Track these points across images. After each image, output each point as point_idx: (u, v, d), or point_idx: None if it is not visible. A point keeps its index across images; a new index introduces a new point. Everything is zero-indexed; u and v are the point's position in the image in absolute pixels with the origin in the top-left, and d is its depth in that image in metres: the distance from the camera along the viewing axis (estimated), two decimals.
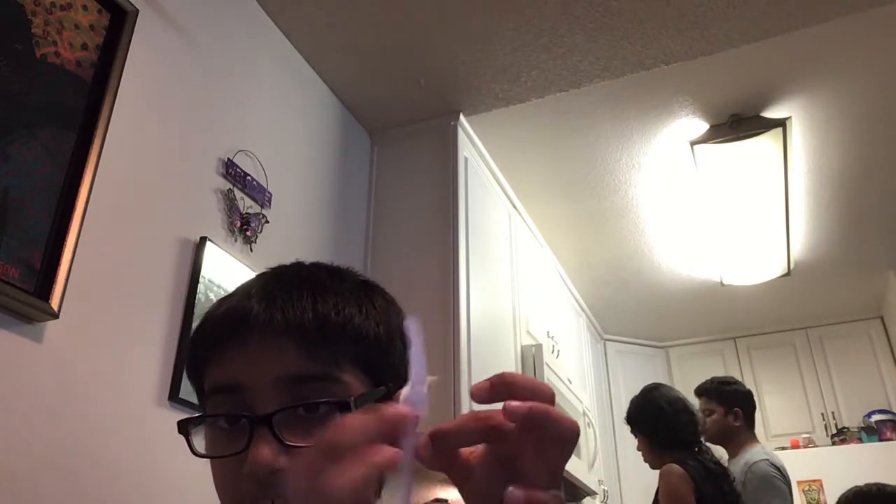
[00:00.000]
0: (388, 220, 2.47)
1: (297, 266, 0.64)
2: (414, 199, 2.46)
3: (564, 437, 0.39)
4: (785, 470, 2.39)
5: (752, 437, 2.53)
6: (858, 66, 2.38)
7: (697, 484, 2.07)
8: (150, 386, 1.45)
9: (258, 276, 0.63)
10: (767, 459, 2.39)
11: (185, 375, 1.48)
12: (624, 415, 2.45)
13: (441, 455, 0.38)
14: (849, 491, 2.29)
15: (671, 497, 2.09)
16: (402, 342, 0.62)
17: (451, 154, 2.45)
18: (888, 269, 3.81)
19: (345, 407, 0.54)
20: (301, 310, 0.57)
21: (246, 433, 0.54)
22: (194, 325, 1.53)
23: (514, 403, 0.38)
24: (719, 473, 2.16)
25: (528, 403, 0.38)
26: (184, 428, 0.58)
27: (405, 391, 0.40)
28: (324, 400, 0.54)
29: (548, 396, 0.39)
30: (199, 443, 0.59)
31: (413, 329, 0.41)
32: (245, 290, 0.60)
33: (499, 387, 0.39)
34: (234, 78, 1.93)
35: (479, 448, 0.40)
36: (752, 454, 2.42)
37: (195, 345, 0.61)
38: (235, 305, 0.59)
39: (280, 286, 0.59)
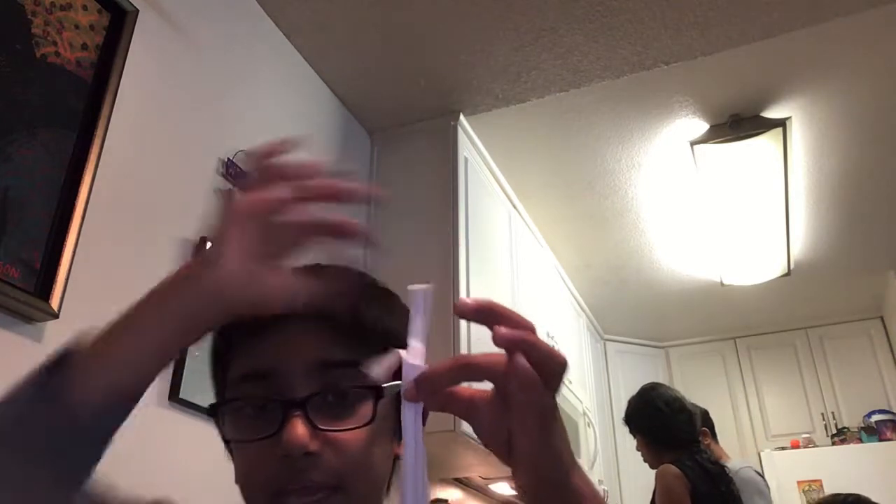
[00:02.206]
0: (388, 220, 2.47)
1: (331, 265, 0.66)
2: (414, 199, 2.45)
3: (552, 369, 0.41)
4: (764, 478, 2.56)
5: (723, 452, 2.67)
6: (858, 66, 2.38)
7: (693, 484, 2.08)
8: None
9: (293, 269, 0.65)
10: (751, 467, 2.57)
11: (185, 375, 1.49)
12: (623, 415, 2.46)
13: (431, 396, 0.42)
14: (825, 497, 2.31)
15: (667, 497, 2.09)
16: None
17: (451, 154, 2.45)
18: (888, 269, 3.81)
19: (376, 392, 0.55)
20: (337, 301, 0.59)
21: (278, 417, 0.55)
22: None
23: (503, 329, 0.40)
24: (717, 473, 2.17)
25: (518, 332, 0.40)
26: (215, 410, 0.59)
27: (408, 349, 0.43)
28: (356, 385, 0.56)
29: (531, 329, 0.41)
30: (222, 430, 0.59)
31: (417, 295, 0.45)
32: None
33: (484, 310, 0.42)
34: (234, 78, 1.93)
35: (486, 387, 0.43)
36: (734, 464, 2.55)
37: (227, 331, 0.61)
38: None
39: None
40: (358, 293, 0.62)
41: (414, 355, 0.43)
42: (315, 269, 0.64)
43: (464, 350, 2.16)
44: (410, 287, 0.45)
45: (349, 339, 0.58)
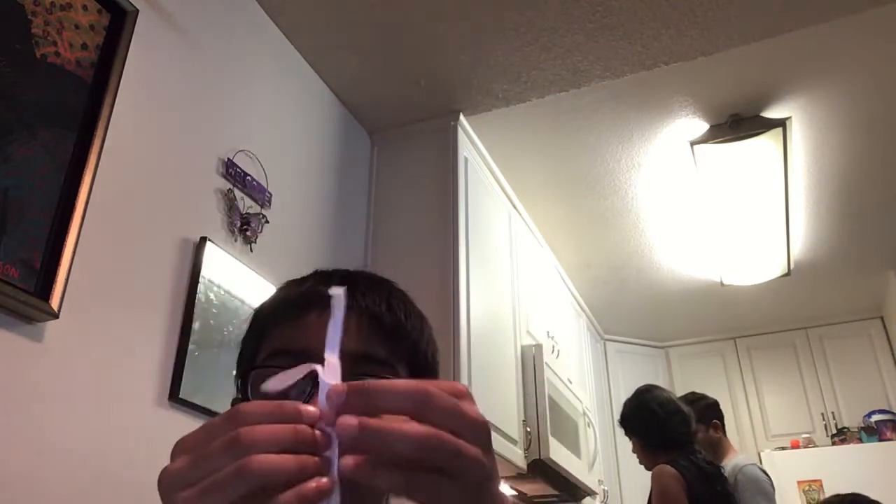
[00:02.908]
0: (388, 221, 2.47)
1: (367, 271, 0.70)
2: (414, 199, 2.45)
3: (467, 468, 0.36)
4: (769, 477, 2.54)
5: (731, 445, 2.69)
6: (858, 66, 2.38)
7: (689, 484, 2.08)
8: (150, 386, 1.45)
9: (333, 270, 0.67)
10: (755, 464, 2.55)
11: (185, 375, 1.49)
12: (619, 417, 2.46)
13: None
14: (826, 499, 2.31)
15: (663, 497, 2.10)
16: (436, 373, 0.68)
17: (451, 154, 2.45)
18: (888, 269, 3.81)
19: None
20: (378, 301, 0.62)
21: (307, 390, 0.55)
22: (196, 325, 1.54)
23: (344, 419, 0.35)
24: (712, 473, 2.17)
25: (358, 420, 0.35)
26: (245, 376, 0.59)
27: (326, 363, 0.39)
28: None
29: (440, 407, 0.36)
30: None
31: (338, 300, 0.41)
32: (324, 276, 0.65)
33: (354, 396, 0.36)
34: (234, 78, 1.93)
35: None
36: (740, 459, 2.56)
37: (266, 312, 0.64)
38: (315, 286, 0.62)
39: (360, 278, 0.65)
40: (400, 301, 0.64)
41: (330, 372, 0.39)
42: (342, 275, 0.66)
43: (463, 359, 2.16)
44: (332, 290, 0.41)
45: (386, 337, 0.60)
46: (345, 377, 0.55)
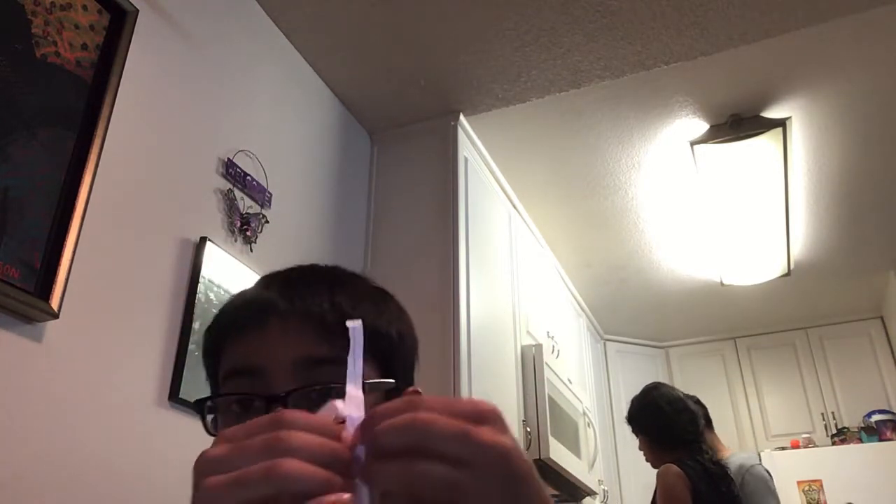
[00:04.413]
0: (388, 220, 2.47)
1: (315, 265, 0.67)
2: (414, 199, 2.45)
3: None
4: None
5: (720, 441, 2.65)
6: (858, 66, 2.38)
7: (694, 484, 2.07)
8: (150, 386, 1.45)
9: (276, 272, 0.66)
10: (760, 464, 2.52)
11: (185, 375, 1.49)
12: (624, 414, 2.45)
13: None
14: None
15: (668, 497, 2.09)
16: (413, 348, 0.65)
17: (451, 154, 2.45)
18: (888, 269, 3.81)
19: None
20: (320, 299, 0.59)
21: (261, 413, 0.54)
22: (196, 325, 1.54)
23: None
24: (718, 474, 2.16)
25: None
26: (199, 406, 0.59)
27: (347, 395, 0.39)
28: (338, 383, 0.55)
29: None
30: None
31: (356, 332, 0.40)
32: (264, 282, 0.63)
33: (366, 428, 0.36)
34: (234, 78, 1.93)
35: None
36: (744, 459, 2.53)
37: (214, 331, 0.63)
38: (256, 295, 0.62)
39: (300, 278, 0.63)
40: (345, 291, 0.61)
41: (352, 404, 0.38)
42: (314, 270, 0.65)
43: (463, 359, 2.16)
44: (349, 323, 0.41)
45: (334, 336, 0.57)
46: (291, 385, 0.55)
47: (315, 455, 0.35)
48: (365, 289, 0.64)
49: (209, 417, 0.59)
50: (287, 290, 0.60)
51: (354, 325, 0.41)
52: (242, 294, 0.64)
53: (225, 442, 0.37)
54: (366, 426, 0.37)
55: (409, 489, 0.35)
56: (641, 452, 2.40)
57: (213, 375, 0.63)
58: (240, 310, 0.62)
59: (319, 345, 0.57)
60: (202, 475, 0.36)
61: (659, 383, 2.46)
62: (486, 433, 0.36)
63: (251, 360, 0.58)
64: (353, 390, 0.39)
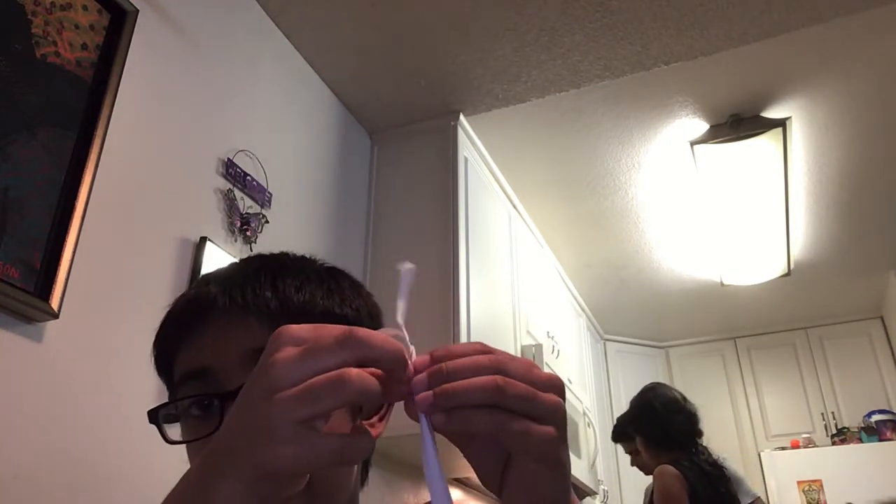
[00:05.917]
0: (388, 220, 2.47)
1: (259, 255, 0.65)
2: (414, 199, 2.45)
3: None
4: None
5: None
6: (858, 66, 2.38)
7: (691, 485, 2.08)
8: (150, 386, 1.45)
9: (217, 269, 0.64)
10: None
11: None
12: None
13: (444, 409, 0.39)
14: None
15: (665, 498, 2.09)
16: (375, 320, 0.63)
17: (451, 154, 2.45)
18: (888, 269, 3.81)
19: None
20: (261, 289, 0.57)
21: (217, 413, 0.54)
22: None
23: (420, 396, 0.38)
24: (715, 474, 2.16)
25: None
26: (154, 416, 0.59)
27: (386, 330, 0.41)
28: None
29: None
30: (175, 434, 0.59)
31: (405, 273, 0.42)
32: (203, 279, 0.62)
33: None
34: (234, 78, 1.93)
35: None
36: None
37: (161, 339, 0.62)
38: (194, 294, 0.60)
39: (239, 271, 0.60)
40: (289, 276, 0.59)
41: (402, 341, 0.40)
42: (257, 260, 0.63)
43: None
44: (399, 265, 0.42)
45: (279, 323, 0.54)
46: (243, 380, 0.54)
47: (387, 360, 0.38)
48: (312, 271, 0.62)
49: (168, 427, 0.58)
50: (226, 284, 0.58)
51: (404, 267, 0.42)
52: (182, 296, 0.62)
53: (293, 344, 0.38)
54: (434, 374, 0.38)
55: (484, 433, 0.39)
56: (633, 459, 2.41)
57: (168, 382, 0.62)
58: (181, 314, 0.60)
59: (265, 335, 0.54)
60: (270, 392, 0.36)
61: (656, 383, 2.46)
62: (552, 397, 0.40)
63: (199, 361, 0.57)
64: (399, 332, 0.41)
